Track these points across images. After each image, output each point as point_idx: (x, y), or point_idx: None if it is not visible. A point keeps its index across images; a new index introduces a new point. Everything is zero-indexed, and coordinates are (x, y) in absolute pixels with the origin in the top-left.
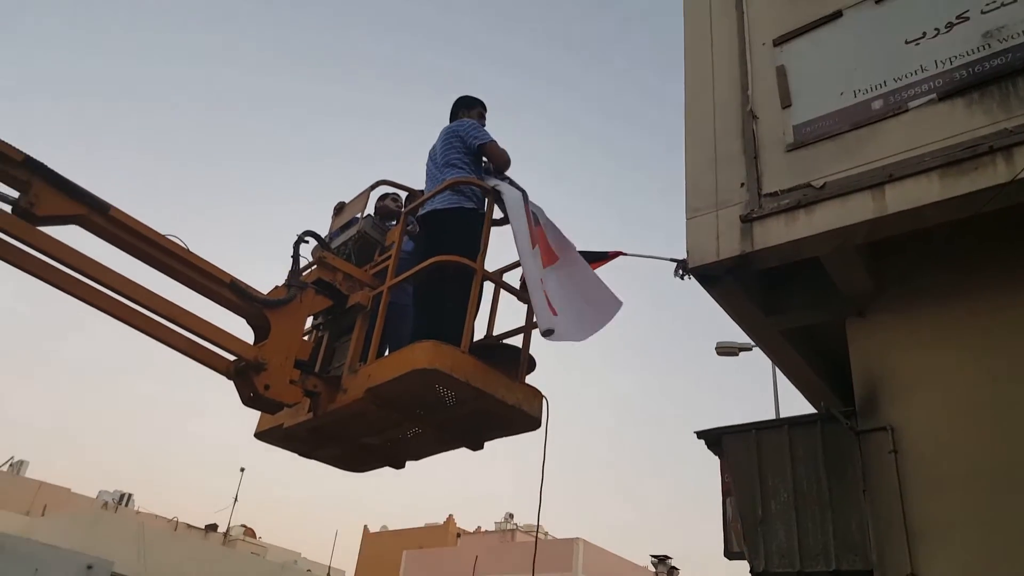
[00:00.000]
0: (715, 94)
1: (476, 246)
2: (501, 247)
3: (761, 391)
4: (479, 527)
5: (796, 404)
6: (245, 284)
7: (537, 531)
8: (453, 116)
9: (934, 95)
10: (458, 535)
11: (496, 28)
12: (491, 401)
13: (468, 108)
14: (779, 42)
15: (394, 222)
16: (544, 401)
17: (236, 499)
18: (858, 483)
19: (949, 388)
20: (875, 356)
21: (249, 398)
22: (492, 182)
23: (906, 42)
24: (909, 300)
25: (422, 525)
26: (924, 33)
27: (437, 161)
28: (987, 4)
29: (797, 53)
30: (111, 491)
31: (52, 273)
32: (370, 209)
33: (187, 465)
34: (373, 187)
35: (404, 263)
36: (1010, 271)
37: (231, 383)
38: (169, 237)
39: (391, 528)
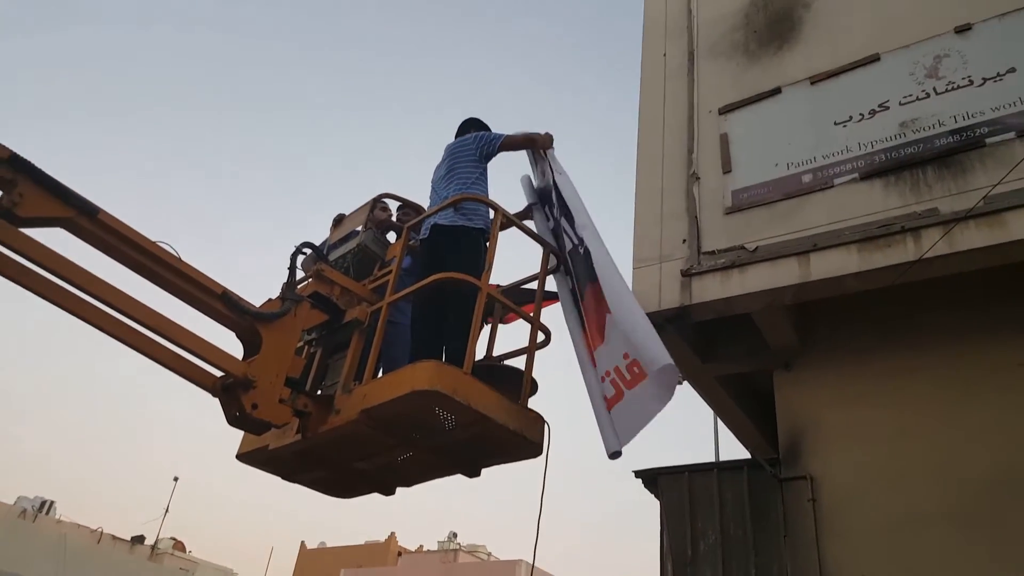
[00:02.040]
0: (664, 154)
1: (478, 264)
2: (504, 262)
3: (706, 432)
4: (421, 546)
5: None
6: (237, 296)
7: (534, 562)
8: (459, 136)
9: (856, 175)
10: (399, 554)
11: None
12: (492, 426)
13: (479, 129)
14: (724, 111)
15: (391, 233)
16: (546, 426)
17: (167, 510)
18: (780, 528)
19: (864, 442)
20: (799, 408)
21: (235, 417)
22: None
23: (835, 123)
24: (832, 357)
25: (362, 542)
26: (851, 117)
27: (442, 177)
28: (904, 97)
29: (739, 123)
30: (31, 497)
31: (31, 278)
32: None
33: (117, 471)
34: (375, 200)
35: (400, 281)
36: (922, 336)
37: (215, 400)
38: (159, 244)
39: (330, 544)
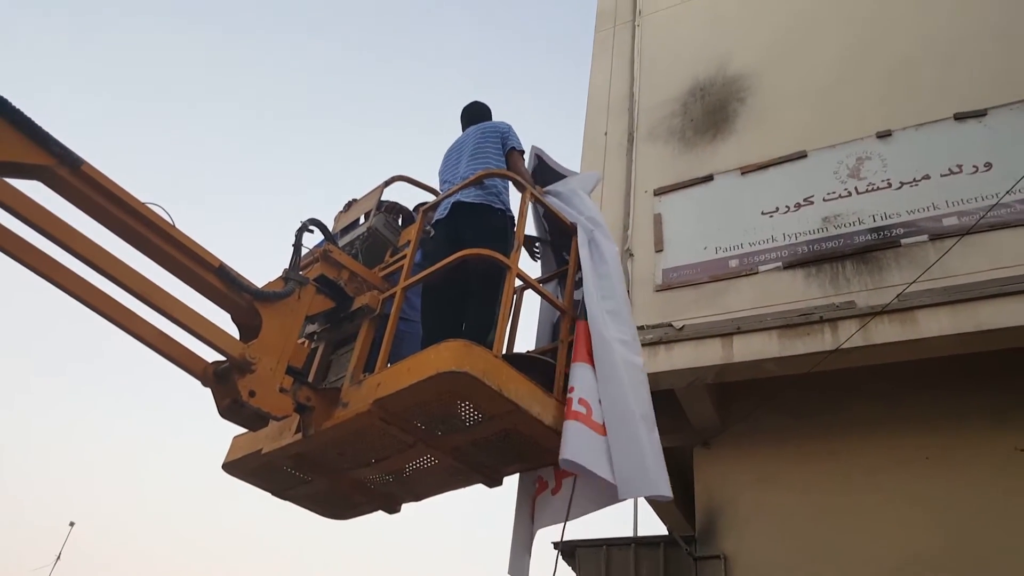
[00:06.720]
0: None
1: (504, 250)
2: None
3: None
4: None
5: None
6: (236, 271)
7: None
8: (473, 120)
9: (780, 263)
10: None
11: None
12: (525, 419)
13: (485, 112)
14: (659, 192)
15: (402, 219)
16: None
17: (59, 557)
18: None
19: (777, 524)
20: (716, 486)
21: (228, 407)
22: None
23: (762, 213)
24: (749, 437)
25: None
26: (777, 208)
27: (462, 156)
28: (828, 193)
29: (673, 205)
30: None
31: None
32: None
33: (6, 514)
34: (387, 183)
35: (412, 272)
36: (835, 423)
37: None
38: (150, 206)
39: None
